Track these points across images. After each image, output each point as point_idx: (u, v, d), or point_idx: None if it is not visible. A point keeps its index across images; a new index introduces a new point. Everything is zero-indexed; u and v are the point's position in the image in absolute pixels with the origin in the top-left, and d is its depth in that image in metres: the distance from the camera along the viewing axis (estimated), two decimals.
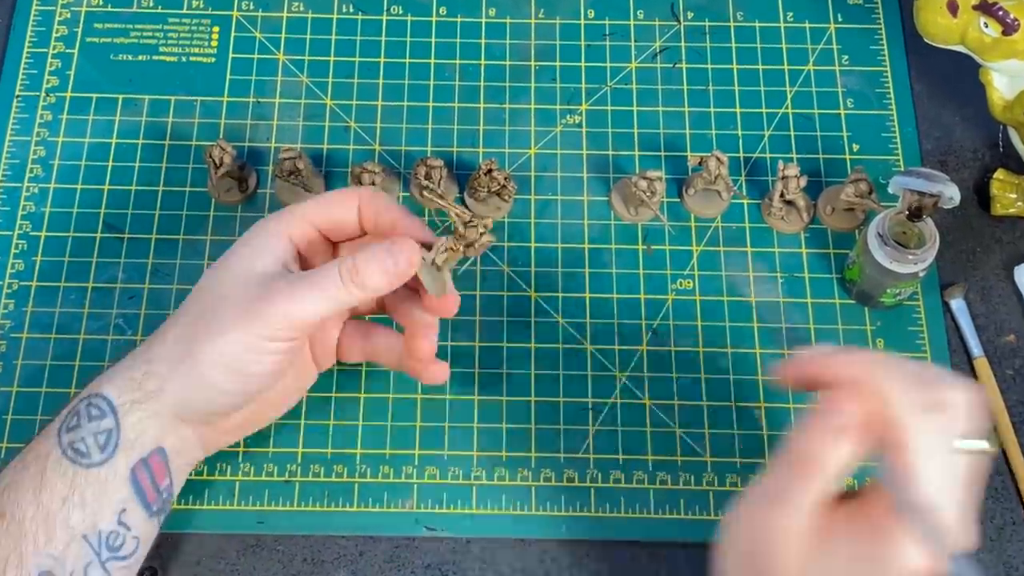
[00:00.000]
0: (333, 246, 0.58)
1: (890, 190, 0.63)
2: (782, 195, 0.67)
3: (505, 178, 0.67)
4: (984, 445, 0.43)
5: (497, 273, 0.68)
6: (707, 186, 0.68)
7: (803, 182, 0.67)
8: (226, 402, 0.54)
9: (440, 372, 0.59)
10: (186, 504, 0.61)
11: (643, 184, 0.66)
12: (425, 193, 0.68)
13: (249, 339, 0.52)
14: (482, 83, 0.73)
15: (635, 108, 0.72)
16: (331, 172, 0.71)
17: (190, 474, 0.59)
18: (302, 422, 0.63)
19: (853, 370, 0.44)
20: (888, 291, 0.64)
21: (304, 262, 0.57)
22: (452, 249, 0.55)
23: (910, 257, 0.61)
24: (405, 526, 0.61)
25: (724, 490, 0.62)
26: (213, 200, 0.69)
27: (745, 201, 0.70)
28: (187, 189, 0.70)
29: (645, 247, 0.68)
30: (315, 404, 0.64)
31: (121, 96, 0.72)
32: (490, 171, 0.67)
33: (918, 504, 0.40)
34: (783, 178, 0.67)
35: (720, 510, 0.62)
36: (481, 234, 0.56)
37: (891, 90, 0.73)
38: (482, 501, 0.62)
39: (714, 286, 0.67)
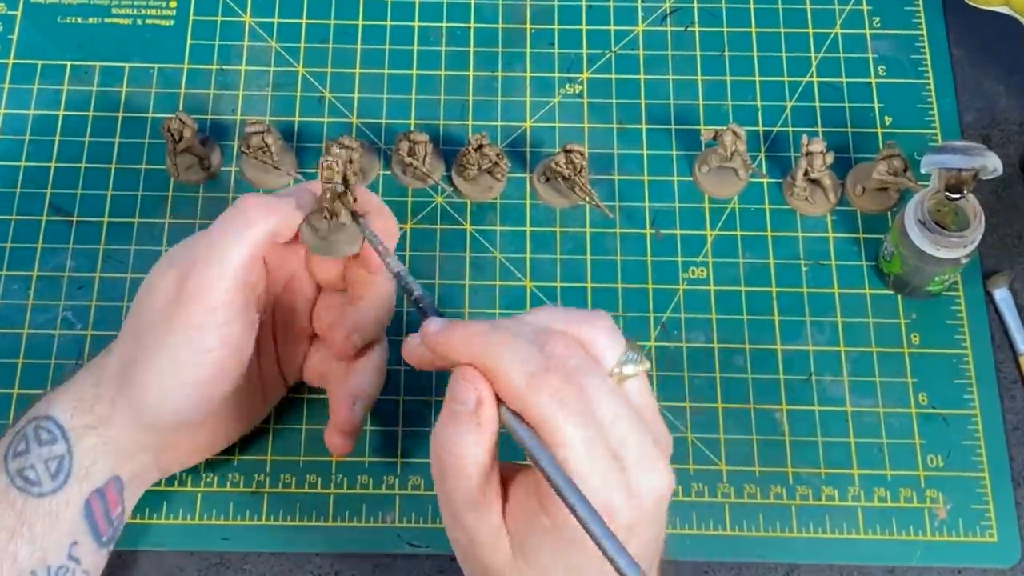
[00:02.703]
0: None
1: (922, 170, 0.62)
2: (806, 173, 0.67)
3: (497, 155, 0.67)
4: (642, 366, 0.46)
5: (489, 260, 0.67)
6: (722, 163, 0.68)
7: (830, 159, 0.66)
8: (178, 417, 0.54)
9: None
10: (142, 518, 0.61)
11: (561, 159, 0.65)
12: (408, 171, 0.67)
13: (177, 343, 0.51)
14: (472, 48, 0.73)
15: (642, 76, 0.72)
16: (303, 148, 0.70)
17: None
18: (271, 427, 0.63)
19: (465, 349, 0.45)
20: (936, 279, 0.63)
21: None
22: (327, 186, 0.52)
23: (954, 239, 0.61)
24: (386, 542, 0.61)
25: (741, 503, 0.61)
26: (172, 179, 0.69)
27: (765, 180, 0.69)
28: (143, 167, 0.69)
29: (653, 231, 0.68)
30: (286, 407, 0.63)
31: (69, 63, 0.72)
32: (480, 147, 0.66)
33: (548, 457, 0.42)
34: (807, 154, 0.66)
35: (737, 525, 0.61)
36: (328, 166, 0.52)
37: (927, 56, 0.73)
38: None
39: (730, 275, 0.67)
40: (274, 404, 0.61)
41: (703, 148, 0.69)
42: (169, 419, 0.53)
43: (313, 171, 0.69)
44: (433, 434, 0.46)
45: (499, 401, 0.45)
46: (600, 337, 0.46)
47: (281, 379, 0.60)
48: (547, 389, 0.43)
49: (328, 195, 0.52)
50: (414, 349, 0.48)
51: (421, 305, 0.50)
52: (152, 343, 0.52)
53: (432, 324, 0.47)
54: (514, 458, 0.47)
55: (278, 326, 0.59)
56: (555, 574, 0.45)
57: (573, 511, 0.42)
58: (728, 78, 0.72)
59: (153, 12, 0.73)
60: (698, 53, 0.73)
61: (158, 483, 0.60)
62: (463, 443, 0.44)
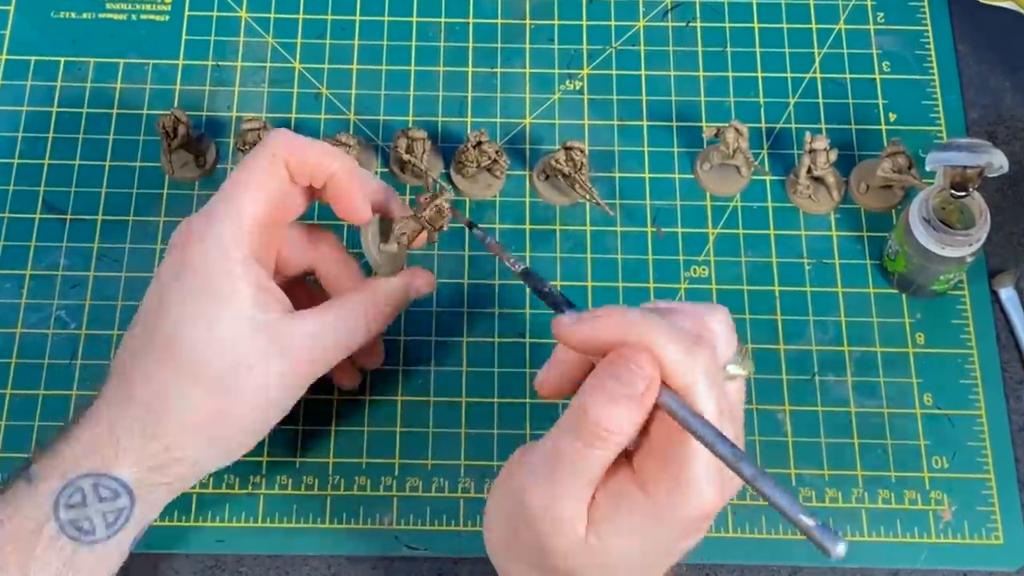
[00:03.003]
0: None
1: (927, 167, 0.62)
2: (809, 171, 0.67)
3: (496, 152, 0.66)
4: (746, 369, 0.47)
5: (486, 259, 0.67)
6: (724, 161, 0.68)
7: (833, 156, 0.66)
8: (242, 445, 0.55)
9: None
10: None
11: (561, 156, 0.65)
12: (406, 168, 0.67)
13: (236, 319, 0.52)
14: (470, 44, 0.73)
15: (643, 72, 0.72)
16: None
17: None
18: None
19: (622, 331, 0.45)
20: (941, 277, 0.63)
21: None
22: (412, 222, 0.55)
23: (960, 238, 0.60)
24: (384, 545, 0.61)
25: (743, 504, 0.61)
26: (167, 176, 0.69)
27: (768, 178, 0.69)
28: (137, 164, 0.69)
29: (655, 229, 0.68)
30: None
31: (63, 59, 0.72)
32: (479, 144, 0.66)
33: (715, 431, 0.43)
34: (811, 152, 0.66)
35: (739, 528, 0.61)
36: (436, 211, 0.55)
37: (932, 52, 0.73)
38: (471, 517, 0.61)
39: (732, 274, 0.67)
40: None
41: (705, 145, 0.69)
42: (228, 450, 0.54)
43: None
44: (580, 410, 0.45)
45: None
46: (722, 331, 0.47)
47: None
48: (700, 363, 0.44)
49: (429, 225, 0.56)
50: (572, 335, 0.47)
51: (554, 301, 0.50)
52: (229, 394, 0.52)
53: (574, 315, 0.47)
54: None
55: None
56: (628, 551, 0.46)
57: (726, 460, 0.43)
58: (730, 74, 0.72)
59: (148, 7, 0.73)
60: (700, 49, 0.73)
61: None
62: (623, 423, 0.44)
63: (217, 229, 0.52)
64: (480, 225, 0.56)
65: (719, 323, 0.47)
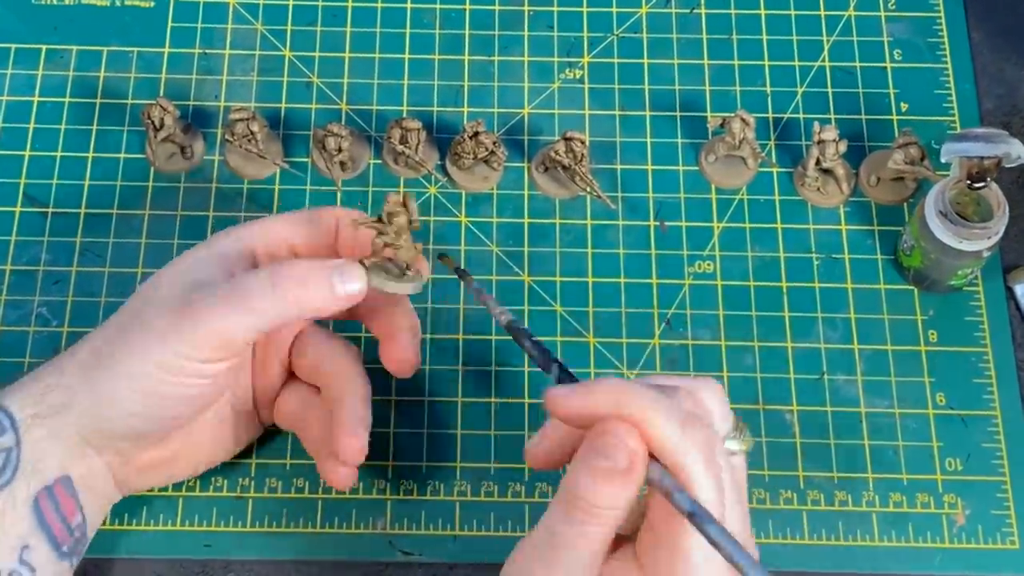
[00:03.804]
0: None
1: (943, 159, 0.62)
2: (818, 163, 0.67)
3: (494, 143, 0.66)
4: (747, 444, 0.48)
5: (485, 254, 0.67)
6: (730, 152, 0.68)
7: (843, 147, 0.66)
8: (137, 426, 0.53)
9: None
10: (119, 524, 0.60)
11: (561, 147, 0.65)
12: (400, 160, 0.67)
13: (165, 356, 0.51)
14: (467, 31, 0.73)
15: (646, 61, 0.72)
16: (290, 136, 0.70)
17: None
18: None
19: (611, 402, 0.44)
20: (958, 272, 0.63)
21: None
22: (382, 234, 0.53)
23: (978, 231, 0.60)
24: (377, 550, 0.60)
25: (750, 508, 0.60)
26: (152, 168, 0.68)
27: (775, 170, 0.69)
28: (121, 156, 0.69)
29: (658, 223, 0.68)
30: None
31: (44, 47, 0.72)
32: (476, 135, 0.66)
33: (714, 520, 0.42)
34: (819, 143, 0.66)
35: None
36: (391, 213, 0.53)
37: (945, 40, 0.73)
38: (467, 521, 0.61)
39: (738, 269, 0.67)
40: (244, 444, 0.60)
41: (710, 136, 0.69)
42: (124, 421, 0.53)
43: (301, 160, 0.69)
44: (570, 487, 0.45)
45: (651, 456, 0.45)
46: (715, 406, 0.47)
47: (255, 416, 0.60)
48: (696, 442, 0.44)
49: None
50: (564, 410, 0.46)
51: (553, 370, 0.50)
52: (137, 343, 0.51)
53: (562, 388, 0.46)
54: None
55: (256, 357, 0.58)
56: None
57: (730, 560, 0.42)
58: (736, 62, 0.72)
59: None
60: (704, 36, 0.72)
61: None
62: (611, 498, 0.44)
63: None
64: (469, 275, 0.56)
65: (712, 399, 0.47)
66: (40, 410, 0.52)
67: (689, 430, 0.44)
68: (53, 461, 0.52)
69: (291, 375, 0.59)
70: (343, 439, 0.55)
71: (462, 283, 0.56)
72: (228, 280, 0.52)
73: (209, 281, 0.52)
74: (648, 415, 0.44)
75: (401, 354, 0.57)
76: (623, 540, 0.46)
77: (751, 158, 0.68)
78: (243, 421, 0.59)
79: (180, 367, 0.51)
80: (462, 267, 0.57)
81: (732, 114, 0.66)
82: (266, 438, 0.62)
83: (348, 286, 0.52)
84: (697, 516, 0.42)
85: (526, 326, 0.52)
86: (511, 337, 0.52)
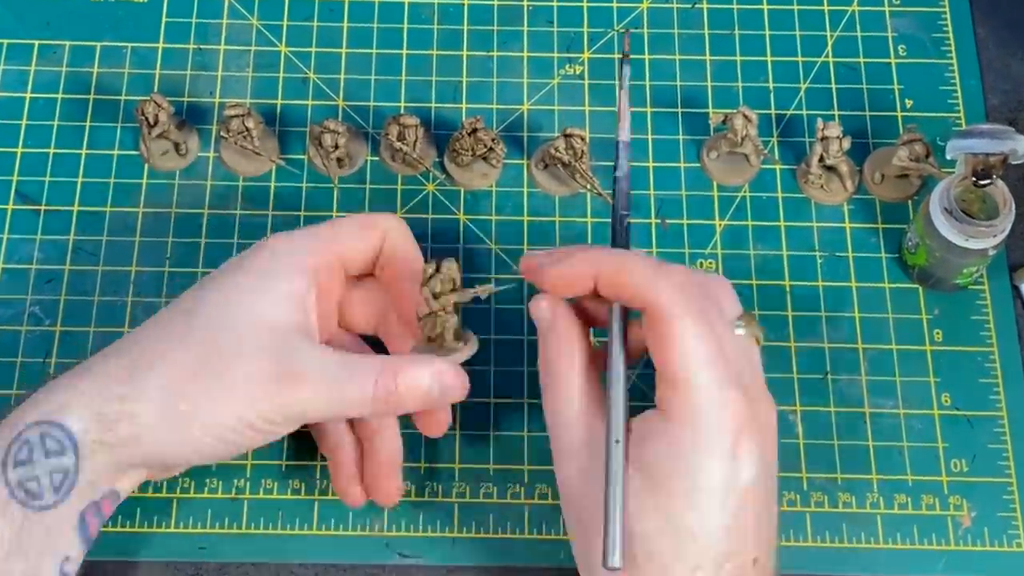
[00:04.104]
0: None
1: (948, 155, 0.62)
2: (821, 160, 0.67)
3: (492, 140, 0.66)
4: (751, 332, 0.51)
5: (484, 252, 0.67)
6: (732, 149, 0.67)
7: (846, 144, 0.66)
8: (194, 461, 0.56)
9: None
10: (113, 526, 0.60)
11: (561, 144, 0.65)
12: (397, 157, 0.67)
13: (251, 418, 0.52)
14: (465, 27, 0.73)
15: (647, 56, 0.72)
16: (286, 132, 0.70)
17: None
18: None
19: (599, 266, 0.50)
20: (964, 271, 0.63)
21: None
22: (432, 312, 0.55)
23: (984, 228, 0.60)
24: (374, 553, 0.60)
25: None
26: (146, 165, 0.68)
27: (778, 167, 0.69)
28: (115, 152, 0.69)
29: (659, 220, 0.67)
30: None
31: (37, 42, 0.72)
32: (475, 131, 0.66)
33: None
34: (823, 139, 0.66)
35: None
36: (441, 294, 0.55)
37: (950, 35, 0.72)
38: (465, 523, 0.61)
39: (741, 268, 0.66)
40: None
41: (712, 133, 0.69)
42: (193, 460, 0.55)
43: (297, 157, 0.69)
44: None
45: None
46: (723, 295, 0.50)
47: None
48: (674, 278, 0.48)
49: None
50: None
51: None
52: (223, 398, 0.51)
53: (542, 255, 0.52)
54: None
55: None
56: (668, 480, 0.48)
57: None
58: (738, 58, 0.72)
59: None
60: (706, 32, 0.72)
61: None
62: (555, 352, 0.52)
63: (297, 244, 0.55)
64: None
65: (720, 289, 0.50)
66: (107, 438, 0.51)
67: (662, 270, 0.48)
68: (107, 479, 0.53)
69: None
70: (383, 482, 0.58)
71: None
72: (301, 317, 0.53)
73: (289, 326, 0.53)
74: (622, 264, 0.49)
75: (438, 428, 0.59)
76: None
77: (754, 155, 0.68)
78: None
79: (262, 428, 0.52)
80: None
81: (734, 111, 0.66)
82: None
83: (449, 398, 0.54)
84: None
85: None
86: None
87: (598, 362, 0.53)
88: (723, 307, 0.50)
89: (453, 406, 0.62)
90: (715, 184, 0.68)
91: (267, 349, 0.52)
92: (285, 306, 0.53)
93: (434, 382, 0.53)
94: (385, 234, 0.57)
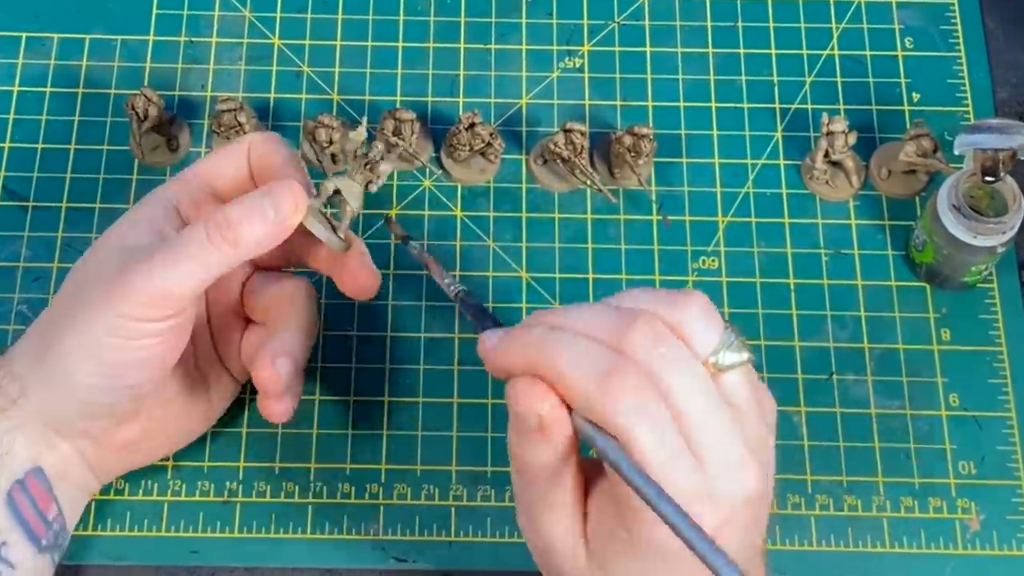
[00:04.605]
0: None
1: (956, 151, 0.62)
2: (827, 155, 0.67)
3: (490, 134, 0.66)
4: (741, 354, 0.45)
5: (481, 249, 0.66)
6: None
7: (852, 139, 0.66)
8: (97, 403, 0.53)
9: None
10: (103, 529, 0.60)
11: (560, 139, 0.65)
12: (393, 151, 0.66)
13: (109, 320, 0.50)
14: (463, 19, 0.73)
15: (648, 49, 0.72)
16: (279, 126, 0.70)
17: (106, 493, 0.59)
18: (244, 430, 0.62)
19: (524, 360, 0.45)
20: (972, 269, 0.63)
21: None
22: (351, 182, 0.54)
23: (992, 225, 0.60)
24: (370, 557, 0.60)
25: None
26: (136, 160, 0.68)
27: (781, 162, 0.69)
28: (105, 147, 0.69)
29: (660, 217, 0.67)
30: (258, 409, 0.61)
31: (24, 34, 0.71)
32: (472, 126, 0.66)
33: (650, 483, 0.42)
34: (828, 134, 0.66)
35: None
36: (369, 164, 0.54)
37: (959, 27, 0.72)
38: (463, 526, 0.61)
39: (744, 265, 0.66)
40: (225, 404, 0.60)
41: None
42: (81, 399, 0.52)
43: None
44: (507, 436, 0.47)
45: (571, 409, 0.44)
46: (693, 321, 0.44)
47: (226, 373, 0.59)
48: (621, 393, 0.42)
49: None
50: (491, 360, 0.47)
51: (479, 318, 0.51)
52: (80, 316, 0.51)
53: (488, 339, 0.47)
54: None
55: (211, 308, 0.58)
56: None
57: (665, 519, 0.41)
58: (741, 51, 0.72)
59: None
60: (709, 24, 0.72)
61: (120, 490, 0.60)
62: (531, 452, 0.45)
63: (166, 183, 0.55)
64: (418, 241, 0.56)
65: (688, 312, 0.44)
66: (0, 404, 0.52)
67: (614, 380, 0.42)
68: (21, 453, 0.52)
69: (251, 322, 0.59)
70: (259, 368, 0.55)
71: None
72: (156, 237, 0.52)
73: (142, 245, 0.52)
74: (563, 371, 0.43)
75: (358, 279, 0.56)
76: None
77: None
78: (213, 383, 0.59)
79: (126, 330, 0.50)
80: (408, 235, 0.58)
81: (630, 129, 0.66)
82: (253, 441, 0.62)
83: (282, 209, 0.51)
84: (625, 473, 0.42)
85: (478, 300, 0.52)
86: (460, 310, 0.52)
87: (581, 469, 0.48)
88: (697, 339, 0.44)
89: (453, 406, 0.63)
90: (718, 180, 0.68)
91: (115, 263, 0.51)
92: (139, 228, 0.53)
93: (266, 202, 0.51)
94: (249, 146, 0.56)
